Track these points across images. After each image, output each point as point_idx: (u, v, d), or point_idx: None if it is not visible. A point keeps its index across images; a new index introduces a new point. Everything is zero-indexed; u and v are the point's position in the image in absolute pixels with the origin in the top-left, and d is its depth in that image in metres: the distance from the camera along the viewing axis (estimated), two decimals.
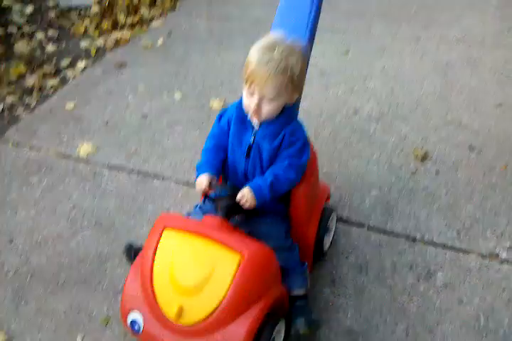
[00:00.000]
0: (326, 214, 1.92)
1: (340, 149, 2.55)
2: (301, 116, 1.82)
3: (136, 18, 3.85)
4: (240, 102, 1.61)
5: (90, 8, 3.89)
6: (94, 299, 1.89)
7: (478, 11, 3.76)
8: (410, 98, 2.90)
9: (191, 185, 2.36)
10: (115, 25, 3.77)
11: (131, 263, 1.67)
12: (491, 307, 1.81)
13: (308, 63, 1.71)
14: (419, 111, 2.79)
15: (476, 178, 2.35)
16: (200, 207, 1.73)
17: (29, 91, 3.09)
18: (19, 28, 3.65)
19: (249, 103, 1.54)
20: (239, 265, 1.44)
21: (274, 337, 1.57)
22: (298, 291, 1.70)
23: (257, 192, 1.53)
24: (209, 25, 3.78)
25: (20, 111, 2.93)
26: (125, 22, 3.80)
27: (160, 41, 3.58)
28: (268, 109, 1.53)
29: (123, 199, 2.33)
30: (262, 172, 1.63)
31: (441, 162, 2.45)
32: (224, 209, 1.54)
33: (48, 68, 3.28)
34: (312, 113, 2.76)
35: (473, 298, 1.85)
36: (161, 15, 3.98)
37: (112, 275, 1.98)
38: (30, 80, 3.13)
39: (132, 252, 1.82)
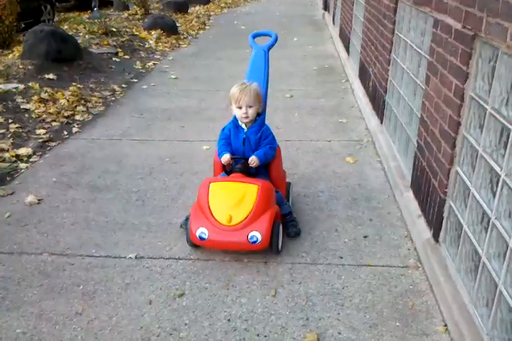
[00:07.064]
0: (287, 184, 3.36)
1: None
2: None
3: None
4: (234, 119, 2.99)
5: None
6: None
7: None
8: None
9: None
10: None
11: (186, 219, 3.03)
12: None
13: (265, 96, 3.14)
14: None
15: None
16: (223, 174, 3.06)
17: None
18: None
19: (240, 113, 2.91)
20: (258, 190, 2.81)
21: (278, 233, 2.85)
22: (285, 212, 3.06)
23: (258, 157, 2.92)
24: None
25: None
26: None
27: None
28: (251, 113, 2.92)
29: None
30: (253, 152, 2.99)
31: None
32: (242, 168, 2.94)
33: None
34: None
35: None
36: None
37: None
38: None
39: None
